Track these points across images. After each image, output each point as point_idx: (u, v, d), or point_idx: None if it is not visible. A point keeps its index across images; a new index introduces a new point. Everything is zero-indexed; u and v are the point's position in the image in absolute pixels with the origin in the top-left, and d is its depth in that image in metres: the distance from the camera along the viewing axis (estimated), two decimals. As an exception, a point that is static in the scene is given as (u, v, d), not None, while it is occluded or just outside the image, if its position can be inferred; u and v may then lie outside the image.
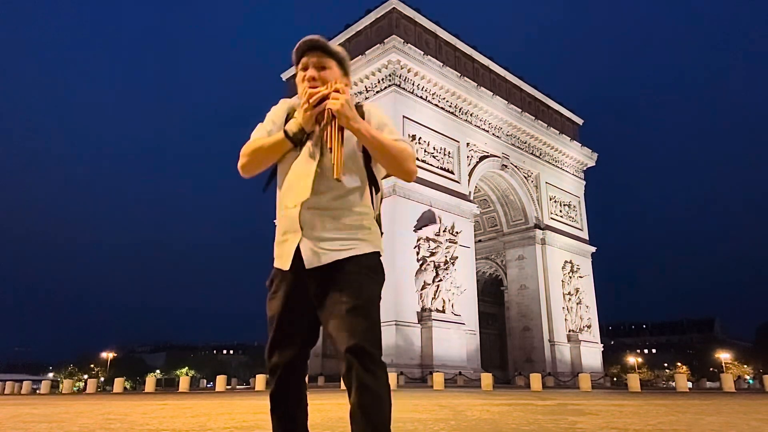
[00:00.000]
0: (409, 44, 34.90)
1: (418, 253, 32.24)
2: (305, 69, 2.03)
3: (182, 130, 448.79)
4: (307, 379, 2.08)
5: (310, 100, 1.91)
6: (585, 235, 48.16)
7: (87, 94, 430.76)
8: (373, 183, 2.03)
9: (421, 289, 31.71)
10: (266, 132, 2.06)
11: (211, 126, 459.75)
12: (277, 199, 2.02)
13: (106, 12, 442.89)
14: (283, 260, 1.95)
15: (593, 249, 47.95)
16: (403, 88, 34.90)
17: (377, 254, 1.99)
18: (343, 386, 1.84)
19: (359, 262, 1.90)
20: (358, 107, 2.02)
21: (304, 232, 1.90)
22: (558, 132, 46.94)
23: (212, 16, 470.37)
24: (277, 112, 2.13)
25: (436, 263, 32.64)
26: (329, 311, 1.84)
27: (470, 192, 37.62)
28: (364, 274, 1.90)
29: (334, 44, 2.07)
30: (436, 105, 36.80)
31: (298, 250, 1.90)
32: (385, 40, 34.54)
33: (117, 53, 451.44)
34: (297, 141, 1.94)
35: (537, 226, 42.52)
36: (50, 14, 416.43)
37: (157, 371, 79.97)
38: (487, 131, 40.79)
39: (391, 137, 1.96)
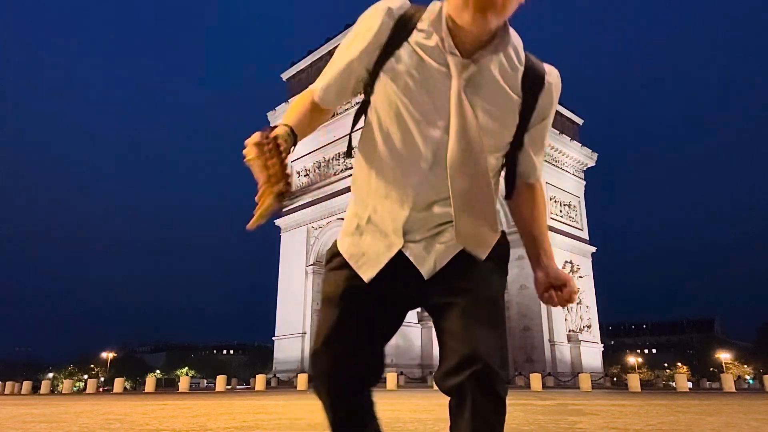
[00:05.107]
0: (409, 44, 34.93)
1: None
2: None
3: (182, 132, 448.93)
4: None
5: None
6: (585, 235, 48.16)
7: (91, 94, 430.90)
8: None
9: (422, 289, 31.67)
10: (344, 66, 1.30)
11: (211, 128, 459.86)
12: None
13: (107, 14, 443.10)
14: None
15: (593, 249, 47.94)
16: (403, 89, 34.93)
17: None
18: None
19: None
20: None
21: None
22: (558, 132, 46.92)
23: (212, 17, 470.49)
24: (375, 25, 1.25)
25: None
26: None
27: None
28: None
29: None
30: (436, 105, 36.89)
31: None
32: (385, 40, 34.59)
33: (122, 55, 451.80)
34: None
35: (537, 226, 42.57)
36: (52, 17, 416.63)
37: (157, 371, 79.88)
38: (487, 131, 40.87)
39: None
